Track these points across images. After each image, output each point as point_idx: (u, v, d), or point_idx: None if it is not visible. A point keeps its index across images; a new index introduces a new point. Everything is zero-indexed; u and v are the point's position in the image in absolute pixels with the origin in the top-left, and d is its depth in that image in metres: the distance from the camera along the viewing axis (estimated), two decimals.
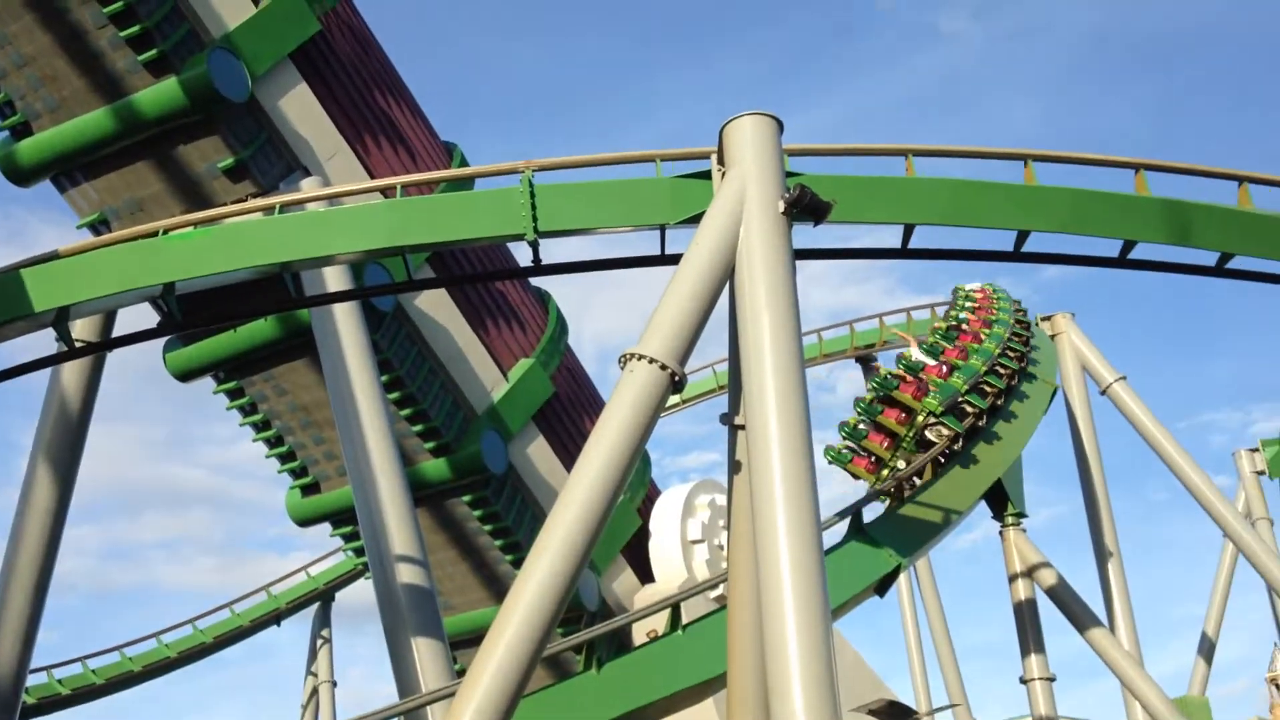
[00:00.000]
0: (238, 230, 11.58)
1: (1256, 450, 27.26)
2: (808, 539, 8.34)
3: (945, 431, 14.88)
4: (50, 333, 11.89)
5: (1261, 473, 26.98)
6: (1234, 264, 12.91)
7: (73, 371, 15.70)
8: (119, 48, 15.29)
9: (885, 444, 15.02)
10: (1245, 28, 72.76)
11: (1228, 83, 73.09)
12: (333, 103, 17.54)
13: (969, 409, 15.49)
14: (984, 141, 12.38)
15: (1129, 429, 21.43)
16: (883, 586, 13.05)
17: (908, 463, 14.67)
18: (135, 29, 15.04)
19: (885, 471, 14.85)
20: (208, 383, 18.88)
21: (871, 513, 13.66)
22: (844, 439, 15.30)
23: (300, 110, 16.95)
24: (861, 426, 15.21)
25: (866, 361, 29.68)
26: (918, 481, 14.71)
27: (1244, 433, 78.76)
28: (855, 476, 15.20)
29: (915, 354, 16.16)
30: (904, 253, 11.71)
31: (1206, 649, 26.74)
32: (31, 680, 19.14)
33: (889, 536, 13.24)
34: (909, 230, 11.55)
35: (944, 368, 15.83)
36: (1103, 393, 21.36)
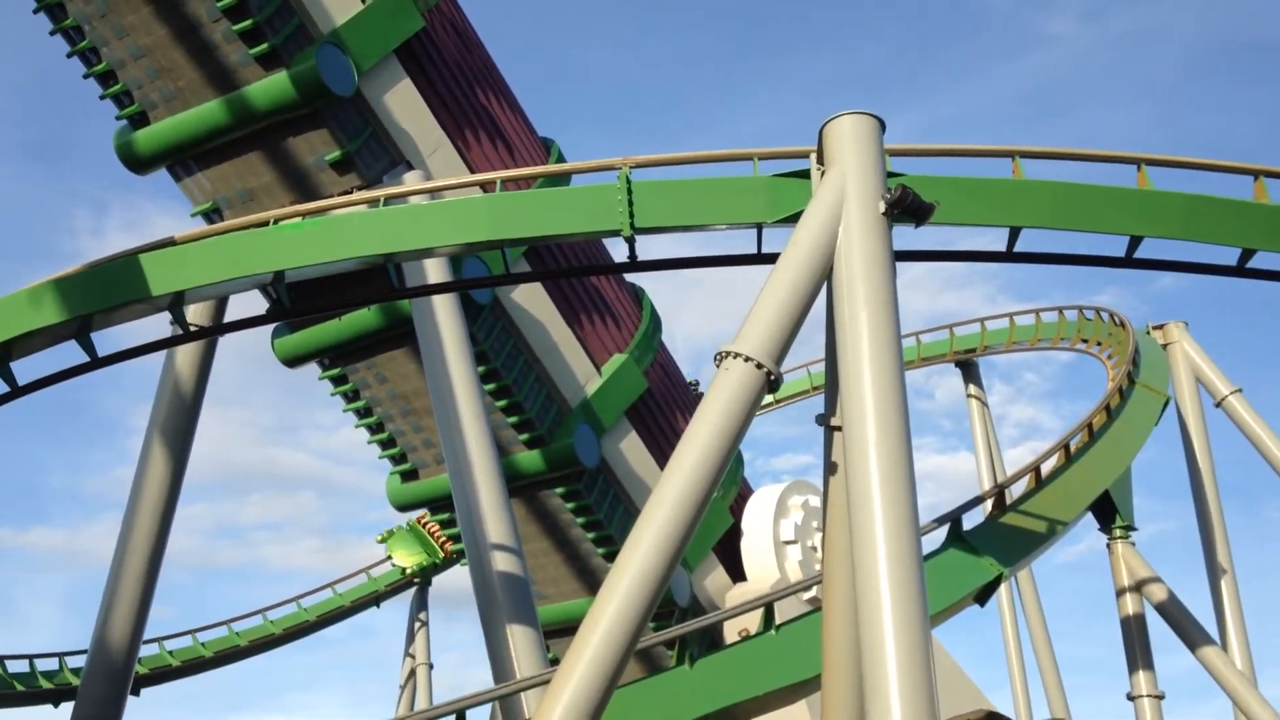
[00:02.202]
0: (345, 221, 11.84)
1: None
2: (906, 544, 8.21)
3: None
4: (165, 316, 12.34)
5: None
6: None
7: (186, 355, 16.23)
8: (231, 41, 15.72)
9: None
10: None
11: None
12: (435, 98, 17.80)
13: None
14: (1091, 147, 11.96)
15: (1244, 443, 20.63)
16: (983, 596, 12.79)
17: None
18: (247, 23, 15.45)
19: None
20: (313, 370, 19.34)
21: (972, 520, 13.39)
22: None
23: (404, 105, 17.23)
24: None
25: (966, 366, 29.03)
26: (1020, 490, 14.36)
27: None
28: None
29: None
30: (1009, 256, 11.42)
31: None
32: (144, 651, 19.84)
33: (990, 545, 12.97)
34: (1014, 234, 11.26)
35: None
36: (1217, 405, 20.63)
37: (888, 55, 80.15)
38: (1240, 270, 11.95)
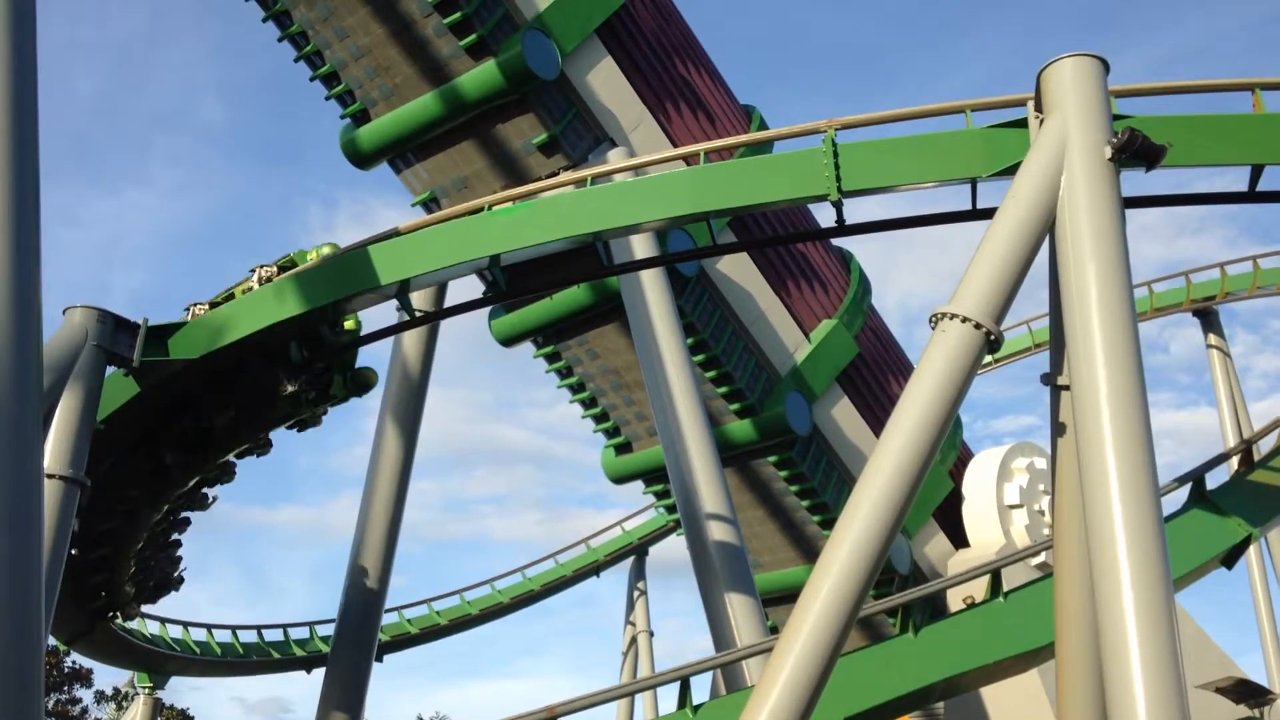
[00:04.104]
0: (554, 203, 12.17)
1: None
2: (1145, 506, 7.82)
3: None
4: (392, 303, 13.04)
5: None
6: None
7: (412, 339, 17.08)
8: (442, 34, 16.35)
9: None
10: None
11: None
12: (636, 74, 17.99)
13: None
14: None
15: None
16: (1230, 558, 12.04)
17: None
18: (456, 16, 16.03)
19: None
20: (528, 348, 19.99)
21: (1216, 479, 12.59)
22: None
23: (606, 84, 17.49)
24: None
25: (1205, 315, 27.20)
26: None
27: None
28: None
29: None
30: (1252, 196, 10.64)
31: None
32: (385, 620, 21.08)
33: (1237, 505, 12.17)
34: (1257, 172, 10.46)
35: None
36: None
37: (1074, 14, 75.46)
38: None
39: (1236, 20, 72.34)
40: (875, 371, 21.42)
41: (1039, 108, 9.60)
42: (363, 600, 16.69)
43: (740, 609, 14.73)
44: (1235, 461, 13.01)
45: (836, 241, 21.46)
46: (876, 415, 20.60)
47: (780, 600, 20.31)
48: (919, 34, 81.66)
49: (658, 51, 18.59)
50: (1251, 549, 21.34)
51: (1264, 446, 13.46)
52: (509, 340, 19.72)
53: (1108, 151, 8.99)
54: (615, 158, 16.96)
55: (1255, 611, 25.13)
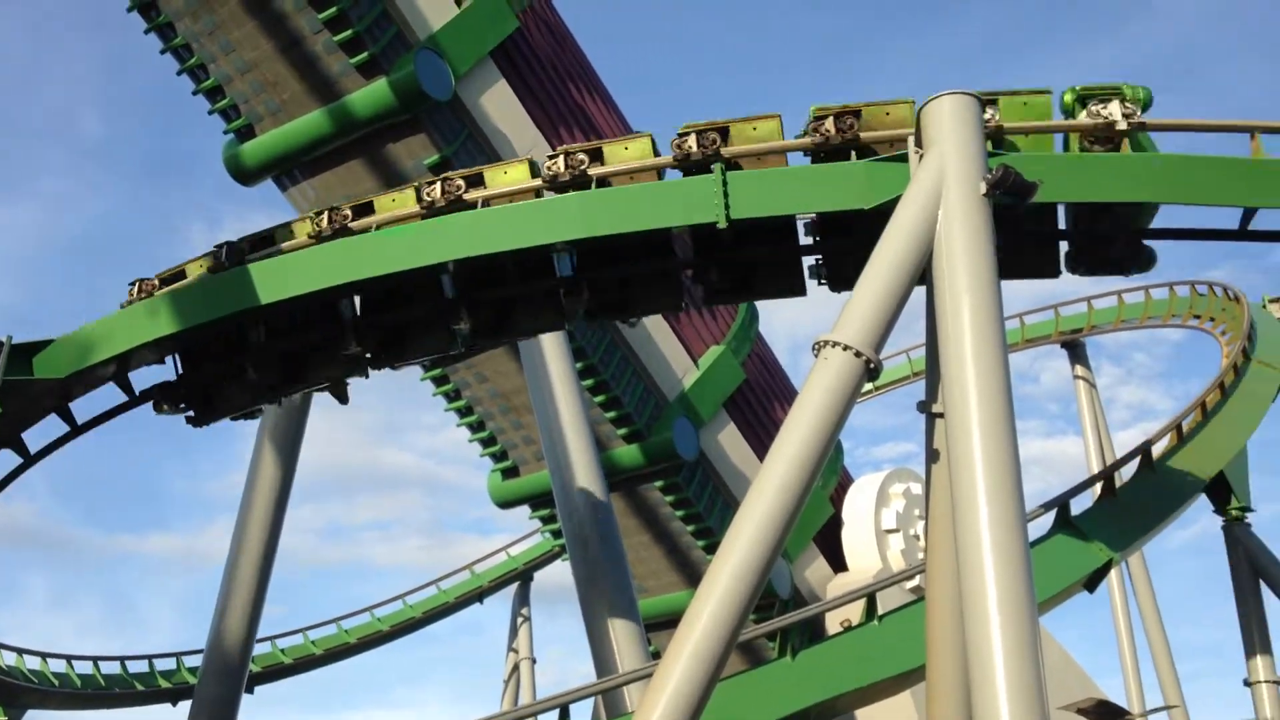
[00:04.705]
0: (444, 225, 12.02)
1: None
2: (1012, 530, 8.08)
3: None
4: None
5: None
6: None
7: None
8: (333, 52, 16.12)
9: None
10: None
11: None
12: (530, 98, 18.01)
13: None
14: (1207, 115, 11.52)
15: None
16: (1092, 582, 12.50)
17: None
18: (348, 33, 15.82)
19: None
20: (416, 371, 19.73)
21: (1081, 505, 13.08)
22: None
23: (499, 106, 17.46)
24: None
25: (1073, 347, 28.32)
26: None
27: None
28: None
29: None
30: None
31: None
32: (258, 650, 20.47)
33: (1100, 530, 12.65)
34: None
35: None
36: None
37: (992, 33, 78.48)
38: None
39: (1108, 66, 75.89)
40: (761, 398, 21.73)
41: (919, 143, 9.92)
42: (233, 629, 16.19)
43: (623, 634, 14.73)
44: (1098, 489, 13.54)
45: None
46: (762, 441, 20.89)
47: (665, 625, 20.34)
48: (816, 69, 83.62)
49: (552, 76, 18.65)
50: (1113, 573, 22.25)
51: (1125, 474, 14.07)
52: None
53: (982, 187, 9.31)
54: None
55: (1115, 634, 26.09)
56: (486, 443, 20.42)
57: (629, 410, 19.29)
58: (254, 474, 16.55)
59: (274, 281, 12.06)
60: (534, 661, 28.77)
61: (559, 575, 28.35)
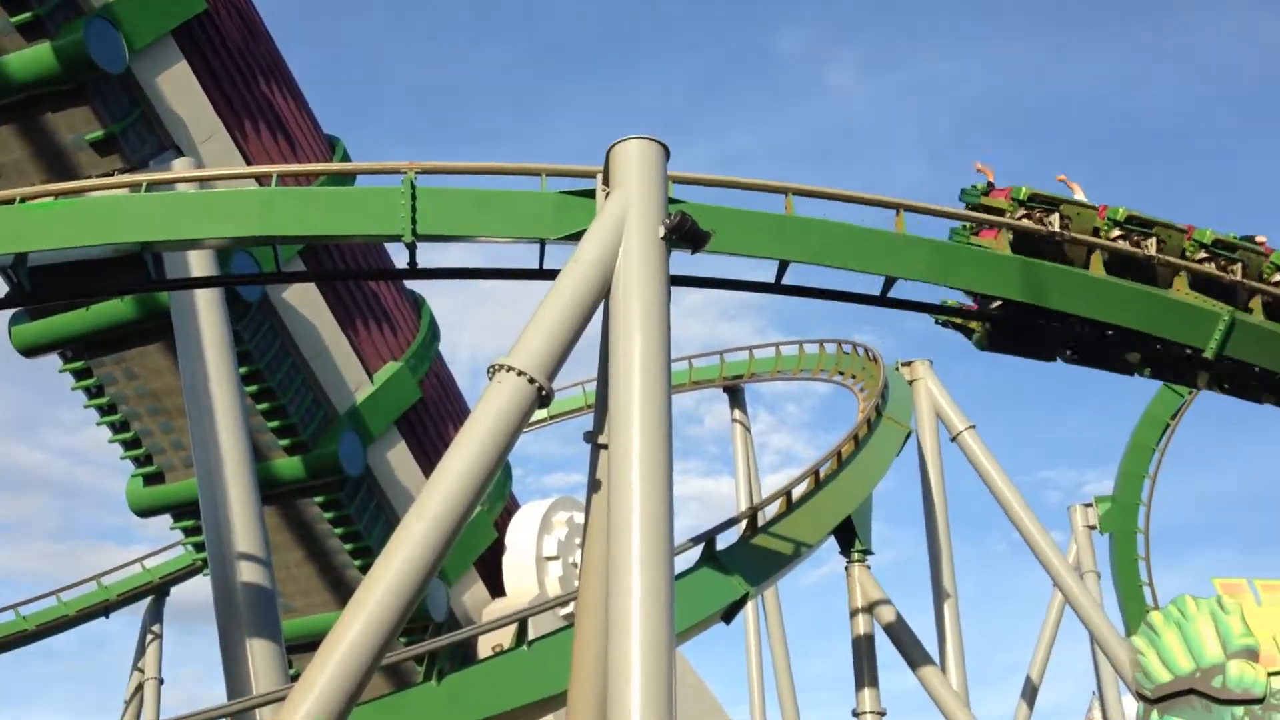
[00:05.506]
0: (101, 204, 11.16)
1: (1090, 505, 28.61)
2: (659, 560, 8.44)
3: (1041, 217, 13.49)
4: None
5: (1093, 527, 28.28)
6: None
7: None
8: None
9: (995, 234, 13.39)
10: (1124, 101, 76.57)
11: (1098, 152, 77.02)
12: (213, 84, 17.05)
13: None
14: (862, 190, 12.73)
15: (975, 477, 22.26)
16: (729, 614, 13.25)
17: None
18: None
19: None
20: (55, 361, 18.07)
21: (729, 541, 13.87)
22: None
23: (178, 89, 16.42)
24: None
25: (734, 391, 30.07)
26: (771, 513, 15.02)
27: (1078, 490, 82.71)
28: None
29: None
30: (777, 288, 11.98)
31: (1030, 694, 27.85)
32: None
33: (740, 565, 13.46)
34: (783, 267, 11.83)
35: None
36: (953, 439, 22.13)
37: (685, 91, 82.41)
38: (980, 314, 12.97)
39: (786, 136, 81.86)
40: (435, 418, 21.53)
41: (606, 181, 10.25)
42: None
43: (261, 654, 14.04)
44: (744, 526, 14.44)
45: (412, 285, 21.48)
46: (431, 460, 20.65)
47: (311, 647, 19.53)
48: (517, 101, 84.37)
49: (240, 66, 17.75)
50: (750, 606, 23.71)
51: (768, 513, 15.10)
52: (31, 350, 17.67)
53: (661, 231, 9.74)
54: (181, 167, 15.91)
55: (747, 665, 27.78)
56: (130, 444, 18.93)
57: (294, 421, 18.52)
58: None
59: None
60: (161, 682, 26.88)
61: (200, 591, 26.71)
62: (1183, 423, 27.80)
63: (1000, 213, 13.55)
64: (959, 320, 14.07)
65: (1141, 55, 73.53)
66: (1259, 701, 10.22)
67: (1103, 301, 13.01)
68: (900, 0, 77.07)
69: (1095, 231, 13.76)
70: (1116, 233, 13.80)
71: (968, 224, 13.18)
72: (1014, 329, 13.41)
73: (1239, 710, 10.25)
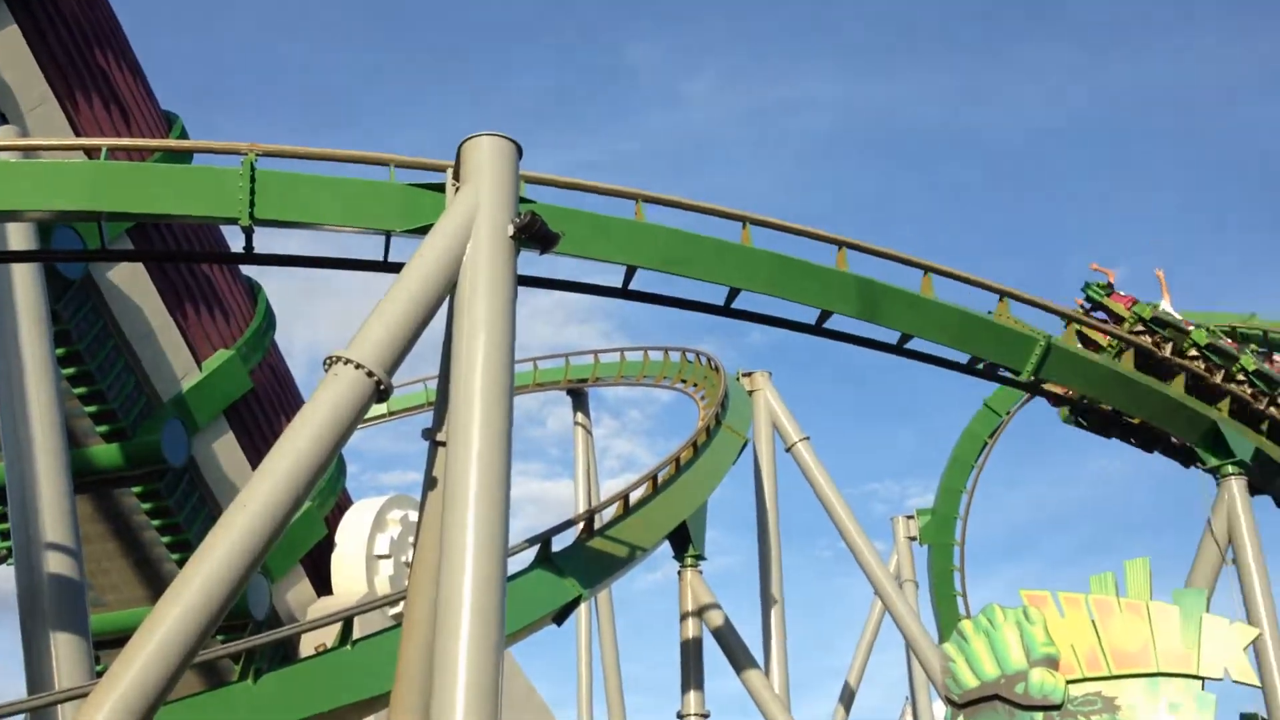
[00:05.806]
0: None
1: (911, 517, 29.76)
2: (492, 560, 8.39)
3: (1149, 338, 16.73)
4: None
5: (913, 538, 29.42)
6: (912, 345, 14.20)
7: None
8: None
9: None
10: (984, 135, 79.99)
11: (945, 183, 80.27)
12: (44, 50, 16.11)
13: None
14: (710, 200, 13.04)
15: (806, 486, 22.89)
16: (561, 616, 13.26)
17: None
18: None
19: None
20: None
21: (564, 543, 13.89)
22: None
23: (5, 53, 15.48)
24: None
25: (578, 394, 30.13)
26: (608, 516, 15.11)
27: (903, 503, 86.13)
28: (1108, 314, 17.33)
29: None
30: (623, 293, 12.09)
31: (848, 697, 28.80)
32: None
33: (574, 567, 13.49)
34: (630, 272, 11.94)
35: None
36: (788, 450, 22.72)
37: (541, 94, 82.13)
38: (818, 329, 13.39)
39: (640, 144, 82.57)
40: (266, 409, 20.84)
41: (457, 176, 10.13)
42: None
43: (66, 649, 13.30)
44: (580, 528, 14.48)
45: (249, 271, 20.76)
46: (260, 454, 19.85)
47: (122, 643, 18.68)
48: (373, 92, 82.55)
49: (74, 34, 16.83)
50: (582, 609, 23.76)
51: (605, 516, 15.18)
52: None
53: (511, 229, 9.69)
54: (4, 135, 14.99)
55: (577, 667, 27.85)
56: None
57: (114, 406, 17.62)
58: None
59: None
60: None
61: (4, 581, 25.17)
62: (999, 443, 29.15)
63: (1119, 318, 17.12)
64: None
65: (981, 88, 77.06)
66: (1057, 708, 10.84)
67: (928, 322, 13.84)
68: (754, 26, 78.73)
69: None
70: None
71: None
72: (1082, 411, 17.28)
73: (1039, 716, 10.84)
